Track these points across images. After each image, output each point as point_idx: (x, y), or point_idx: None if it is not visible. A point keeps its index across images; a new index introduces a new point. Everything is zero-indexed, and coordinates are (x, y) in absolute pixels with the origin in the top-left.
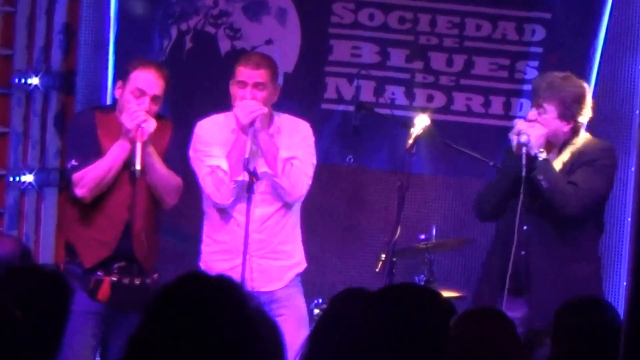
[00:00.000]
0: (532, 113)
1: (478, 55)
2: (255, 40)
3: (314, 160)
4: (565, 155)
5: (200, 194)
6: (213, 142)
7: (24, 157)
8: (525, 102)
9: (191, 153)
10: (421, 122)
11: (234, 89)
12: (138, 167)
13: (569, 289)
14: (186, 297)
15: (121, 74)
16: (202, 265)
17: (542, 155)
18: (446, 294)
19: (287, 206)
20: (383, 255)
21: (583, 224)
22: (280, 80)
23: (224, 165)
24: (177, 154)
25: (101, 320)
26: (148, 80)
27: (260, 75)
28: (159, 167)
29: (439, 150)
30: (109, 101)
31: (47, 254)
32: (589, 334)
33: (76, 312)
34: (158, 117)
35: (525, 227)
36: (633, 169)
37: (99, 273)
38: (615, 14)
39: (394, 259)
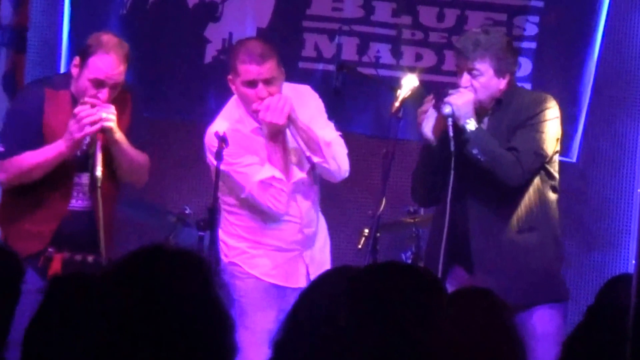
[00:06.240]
0: (465, 79)
1: (472, 9)
2: None
3: (332, 124)
4: (502, 115)
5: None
6: (242, 150)
7: None
8: (525, 61)
9: (222, 167)
10: (409, 83)
11: (242, 89)
12: (99, 173)
13: (515, 262)
14: (145, 272)
15: (78, 43)
16: (243, 264)
17: (471, 125)
18: None
19: (316, 190)
20: (366, 231)
21: (527, 189)
22: (254, 35)
23: (277, 173)
24: (140, 122)
25: None
26: (107, 68)
27: (269, 69)
28: (130, 153)
29: None
30: (63, 60)
31: None
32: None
33: (26, 292)
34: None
35: (461, 202)
36: None
37: (49, 249)
38: None
39: (378, 234)
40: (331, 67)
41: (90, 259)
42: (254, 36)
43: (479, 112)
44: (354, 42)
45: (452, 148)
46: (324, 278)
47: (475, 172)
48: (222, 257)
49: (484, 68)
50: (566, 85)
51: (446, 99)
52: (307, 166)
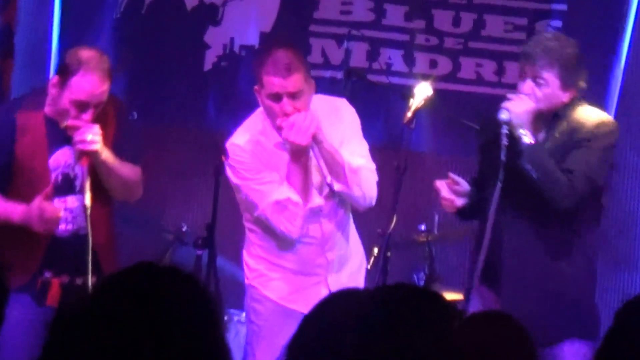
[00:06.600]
0: (528, 86)
1: (490, 13)
2: None
3: (366, 144)
4: (559, 130)
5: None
6: (262, 165)
7: None
8: None
9: (238, 182)
10: (422, 92)
11: (266, 102)
12: (88, 202)
13: (542, 291)
14: (135, 289)
15: (69, 48)
16: (260, 286)
17: (526, 137)
18: (450, 295)
19: (346, 208)
20: (375, 250)
21: (569, 218)
22: (257, 41)
23: (294, 196)
24: (129, 133)
25: None
26: (91, 89)
27: (294, 82)
28: (119, 171)
29: (443, 125)
30: (52, 65)
31: None
32: None
33: (18, 320)
34: None
35: (502, 217)
36: None
37: (46, 274)
38: None
39: (389, 254)
40: (339, 74)
41: (92, 281)
42: (283, 45)
43: (536, 123)
44: (364, 47)
45: (503, 157)
46: (329, 301)
47: (520, 188)
48: (245, 279)
49: (551, 78)
50: (591, 95)
51: (504, 104)
52: (327, 190)
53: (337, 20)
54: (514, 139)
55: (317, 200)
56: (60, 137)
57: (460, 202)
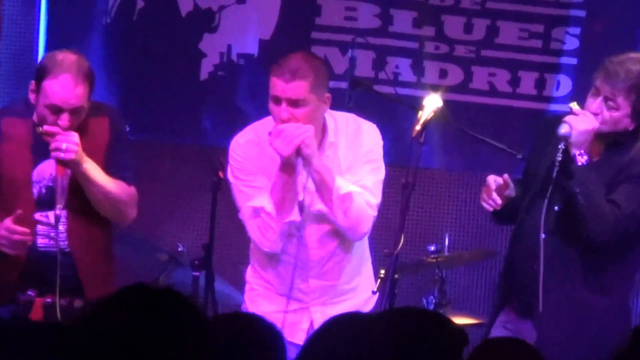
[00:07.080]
0: (597, 105)
1: (504, 19)
2: None
3: (382, 175)
4: (616, 158)
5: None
6: (255, 168)
7: None
8: (564, 79)
9: (231, 179)
10: (432, 104)
11: (270, 104)
12: (58, 211)
13: (579, 322)
14: (129, 312)
15: (52, 40)
16: (247, 300)
17: (582, 159)
18: (461, 320)
19: (343, 240)
20: (382, 272)
21: (615, 250)
22: (256, 48)
23: (268, 206)
24: (124, 151)
25: None
26: (62, 92)
27: (295, 89)
28: (104, 186)
29: (454, 139)
30: None
31: None
32: None
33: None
34: (92, 112)
35: (543, 235)
36: None
37: (29, 292)
38: None
39: (396, 276)
40: (343, 85)
41: (77, 303)
42: (303, 52)
43: (594, 145)
44: (370, 56)
45: (554, 174)
46: (331, 326)
47: (565, 209)
48: None
49: (624, 104)
50: None
51: (567, 118)
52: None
53: (341, 26)
54: (568, 157)
55: (293, 217)
56: (47, 147)
57: (500, 205)
